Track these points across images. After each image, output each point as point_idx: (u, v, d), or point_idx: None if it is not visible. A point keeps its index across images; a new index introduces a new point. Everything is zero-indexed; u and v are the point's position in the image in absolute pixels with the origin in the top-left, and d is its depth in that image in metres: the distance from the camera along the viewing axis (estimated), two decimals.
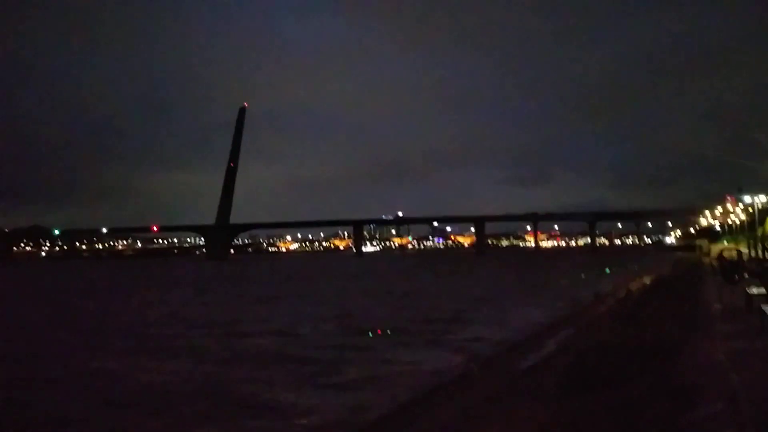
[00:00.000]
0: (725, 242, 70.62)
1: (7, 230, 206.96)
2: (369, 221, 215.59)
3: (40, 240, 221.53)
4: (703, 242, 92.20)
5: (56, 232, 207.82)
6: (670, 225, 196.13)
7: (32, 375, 17.12)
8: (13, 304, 42.95)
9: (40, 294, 52.36)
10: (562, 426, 7.25)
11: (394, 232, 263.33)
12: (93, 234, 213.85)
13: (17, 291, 57.46)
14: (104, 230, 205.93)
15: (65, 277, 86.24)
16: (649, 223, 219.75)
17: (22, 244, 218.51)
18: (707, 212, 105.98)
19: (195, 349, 21.04)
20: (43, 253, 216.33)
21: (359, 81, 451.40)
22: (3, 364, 18.89)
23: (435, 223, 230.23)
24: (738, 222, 72.92)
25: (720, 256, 36.39)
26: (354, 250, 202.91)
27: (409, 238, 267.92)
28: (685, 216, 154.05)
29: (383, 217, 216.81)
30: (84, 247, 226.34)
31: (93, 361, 19.10)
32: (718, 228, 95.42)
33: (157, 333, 25.56)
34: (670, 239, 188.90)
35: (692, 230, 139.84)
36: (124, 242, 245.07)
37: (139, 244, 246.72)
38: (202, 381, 15.92)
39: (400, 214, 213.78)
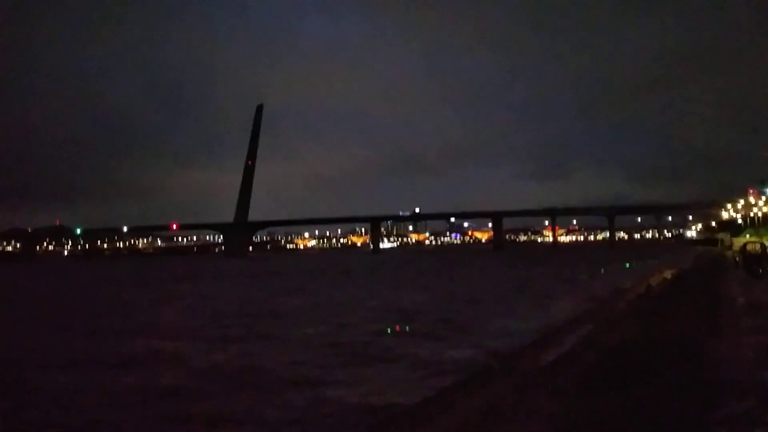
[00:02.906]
0: (747, 235, 69.55)
1: (30, 230, 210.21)
2: (386, 218, 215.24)
3: (63, 239, 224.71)
4: (725, 236, 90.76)
5: (78, 231, 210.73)
6: (691, 219, 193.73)
7: None
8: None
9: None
10: (583, 423, 7.11)
11: (411, 228, 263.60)
12: (114, 233, 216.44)
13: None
14: (125, 229, 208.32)
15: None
16: (670, 217, 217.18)
17: (45, 243, 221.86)
18: (729, 205, 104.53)
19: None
20: (66, 252, 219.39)
21: (377, 79, 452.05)
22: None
23: (452, 219, 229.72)
24: (760, 215, 71.81)
25: (743, 249, 35.84)
26: (371, 246, 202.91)
27: (427, 234, 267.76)
28: (705, 209, 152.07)
29: (400, 213, 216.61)
30: (105, 245, 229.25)
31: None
32: (740, 221, 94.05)
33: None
34: (690, 233, 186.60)
35: (713, 224, 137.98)
36: (145, 240, 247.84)
37: (159, 242, 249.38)
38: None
39: (417, 210, 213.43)
